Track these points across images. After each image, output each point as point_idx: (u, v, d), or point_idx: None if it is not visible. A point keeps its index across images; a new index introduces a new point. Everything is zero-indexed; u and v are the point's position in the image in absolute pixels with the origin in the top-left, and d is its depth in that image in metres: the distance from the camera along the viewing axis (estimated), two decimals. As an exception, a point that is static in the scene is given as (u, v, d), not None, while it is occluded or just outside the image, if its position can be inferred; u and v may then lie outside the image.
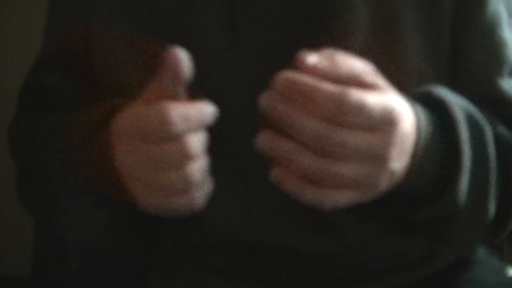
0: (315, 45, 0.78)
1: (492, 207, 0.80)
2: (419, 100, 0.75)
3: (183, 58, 0.66)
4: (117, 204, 0.76)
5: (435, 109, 0.76)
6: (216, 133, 0.81)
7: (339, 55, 0.66)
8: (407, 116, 0.69)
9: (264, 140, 0.66)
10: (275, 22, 0.80)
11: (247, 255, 0.84)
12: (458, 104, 0.77)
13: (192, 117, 0.67)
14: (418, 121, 0.72)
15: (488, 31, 0.84)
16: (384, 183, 0.69)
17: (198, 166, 0.68)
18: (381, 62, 0.80)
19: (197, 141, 0.68)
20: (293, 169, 0.66)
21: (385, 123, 0.66)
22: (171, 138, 0.66)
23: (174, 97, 0.67)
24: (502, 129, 0.82)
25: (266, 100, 0.65)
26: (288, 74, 0.64)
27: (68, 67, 0.88)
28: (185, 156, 0.67)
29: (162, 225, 0.88)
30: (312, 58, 0.64)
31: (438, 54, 0.82)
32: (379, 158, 0.67)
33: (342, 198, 0.67)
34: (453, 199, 0.76)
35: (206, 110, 0.68)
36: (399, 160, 0.69)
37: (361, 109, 0.64)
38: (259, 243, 0.83)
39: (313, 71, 0.64)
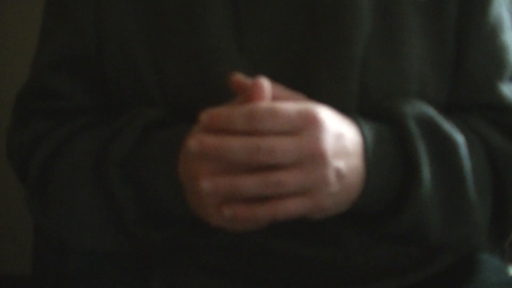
0: (318, 47, 0.78)
1: (475, 215, 0.80)
2: (375, 115, 0.77)
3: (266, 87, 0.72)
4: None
5: (391, 124, 0.77)
6: None
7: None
8: (332, 117, 0.72)
9: (207, 186, 0.70)
10: (279, 24, 0.81)
11: (247, 258, 0.84)
12: (417, 116, 0.78)
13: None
14: (359, 127, 0.74)
15: (490, 36, 0.84)
16: (332, 184, 0.71)
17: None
18: (384, 66, 0.80)
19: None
20: (240, 198, 0.70)
21: (306, 122, 0.69)
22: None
23: None
24: (498, 139, 0.82)
25: (193, 142, 0.70)
26: (209, 111, 0.70)
27: (78, 73, 0.86)
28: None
29: (163, 225, 0.88)
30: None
31: (441, 59, 0.82)
32: (315, 157, 0.69)
33: (294, 206, 0.70)
34: (417, 210, 0.77)
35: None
36: (341, 159, 0.71)
37: (273, 114, 0.69)
38: (260, 247, 0.83)
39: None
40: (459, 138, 0.78)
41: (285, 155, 0.69)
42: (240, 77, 0.74)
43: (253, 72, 0.80)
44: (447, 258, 0.89)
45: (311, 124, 0.70)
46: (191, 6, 0.81)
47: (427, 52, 0.82)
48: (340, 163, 0.71)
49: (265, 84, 0.72)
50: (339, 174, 0.71)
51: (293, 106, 0.70)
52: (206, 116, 0.70)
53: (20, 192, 0.89)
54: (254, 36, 0.80)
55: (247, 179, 0.69)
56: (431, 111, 0.79)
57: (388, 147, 0.75)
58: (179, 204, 0.77)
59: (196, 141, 0.69)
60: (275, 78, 0.80)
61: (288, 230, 0.82)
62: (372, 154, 0.74)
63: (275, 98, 0.73)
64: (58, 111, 0.87)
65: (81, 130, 0.85)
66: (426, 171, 0.76)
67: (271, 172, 0.69)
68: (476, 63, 0.83)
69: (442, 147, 0.78)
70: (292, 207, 0.70)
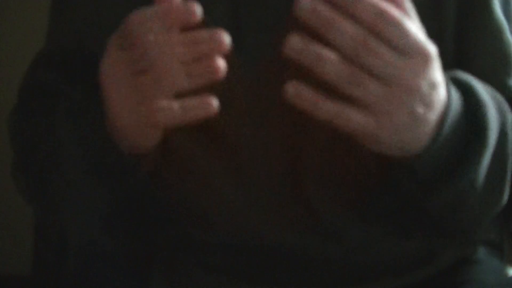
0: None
1: (506, 192, 0.79)
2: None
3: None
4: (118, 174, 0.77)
5: (461, 90, 0.76)
6: (219, 134, 0.81)
7: None
8: (439, 70, 0.70)
9: (295, 42, 0.66)
10: (277, 24, 0.81)
11: (248, 255, 0.84)
12: (482, 87, 0.77)
13: (150, 16, 0.67)
14: (449, 90, 0.72)
15: (497, 33, 0.84)
16: (402, 120, 0.69)
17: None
18: None
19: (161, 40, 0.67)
20: (320, 73, 0.66)
21: (418, 53, 0.67)
22: (131, 37, 0.68)
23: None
24: None
25: (306, 1, 0.65)
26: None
27: (74, 70, 0.87)
28: (150, 56, 0.67)
29: (163, 225, 0.88)
30: None
31: (441, 57, 0.82)
32: (405, 86, 0.67)
33: (356, 118, 0.67)
34: (472, 178, 0.76)
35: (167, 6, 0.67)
36: (422, 105, 0.69)
37: (398, 26, 0.66)
38: (261, 244, 0.83)
39: None
40: (510, 113, 0.78)
41: (383, 66, 0.66)
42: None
43: (252, 72, 0.80)
44: (447, 257, 0.89)
45: (423, 58, 0.68)
46: None
47: None
48: (419, 108, 0.69)
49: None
50: (412, 116, 0.69)
51: (417, 30, 0.67)
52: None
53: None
54: (253, 38, 0.80)
55: (336, 62, 0.66)
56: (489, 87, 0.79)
57: (462, 118, 0.74)
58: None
59: (307, 2, 0.65)
60: (274, 77, 0.80)
61: (288, 228, 0.82)
62: (450, 121, 0.72)
63: None
64: (53, 100, 0.88)
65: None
66: (492, 140, 0.75)
67: (362, 70, 0.66)
68: (485, 61, 0.83)
69: (502, 120, 0.77)
70: (356, 117, 0.67)
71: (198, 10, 0.66)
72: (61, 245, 1.07)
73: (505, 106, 0.79)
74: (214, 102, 0.68)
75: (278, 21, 0.80)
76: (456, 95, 0.73)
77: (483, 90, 0.77)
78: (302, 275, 0.84)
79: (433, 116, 0.71)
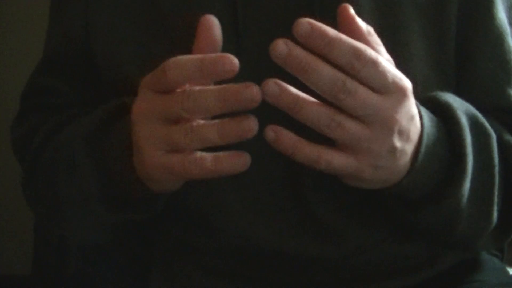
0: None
1: (494, 213, 0.80)
2: (424, 103, 0.75)
3: (215, 23, 0.69)
4: (127, 199, 0.77)
5: (439, 112, 0.76)
6: None
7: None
8: (414, 103, 0.70)
9: (273, 88, 0.66)
10: (278, 27, 0.80)
11: (248, 258, 0.84)
12: (462, 107, 0.77)
13: (189, 65, 0.67)
14: (421, 118, 0.72)
15: (498, 40, 0.84)
16: (383, 157, 0.69)
17: (199, 123, 0.67)
18: None
19: (199, 95, 0.66)
20: (298, 117, 0.66)
21: (395, 89, 0.67)
22: (167, 84, 0.67)
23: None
24: (509, 137, 0.82)
25: (282, 45, 0.65)
26: (311, 20, 0.65)
27: (69, 69, 0.88)
28: (184, 107, 0.66)
29: (163, 226, 0.88)
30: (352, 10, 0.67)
31: (442, 61, 0.82)
32: (384, 124, 0.67)
33: (337, 161, 0.68)
34: (455, 202, 0.76)
35: (212, 60, 0.66)
36: (401, 140, 0.69)
37: (375, 65, 0.66)
38: (260, 248, 0.82)
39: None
40: (494, 134, 0.78)
41: (363, 106, 0.66)
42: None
43: (251, 74, 0.80)
44: (449, 259, 0.89)
45: (400, 94, 0.68)
46: (189, 8, 0.81)
47: (428, 54, 0.82)
48: (398, 143, 0.69)
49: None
50: (392, 151, 0.69)
51: (391, 67, 0.67)
52: (306, 23, 0.65)
53: (20, 193, 0.90)
54: (252, 38, 0.80)
55: (314, 104, 0.66)
56: (470, 106, 0.79)
57: (440, 143, 0.74)
58: (129, 170, 0.74)
59: (284, 42, 0.65)
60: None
61: (287, 231, 0.82)
62: (425, 148, 0.72)
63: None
64: (53, 105, 0.89)
65: (73, 118, 0.86)
66: (470, 164, 0.75)
67: (340, 111, 0.66)
68: (486, 68, 0.83)
69: (484, 142, 0.78)
70: (337, 159, 0.68)
71: (236, 62, 0.66)
72: (61, 245, 1.07)
73: (487, 126, 0.79)
74: (247, 158, 0.68)
75: (276, 24, 0.80)
76: (429, 121, 0.73)
77: (463, 112, 0.77)
78: (302, 277, 0.84)
79: (411, 147, 0.71)
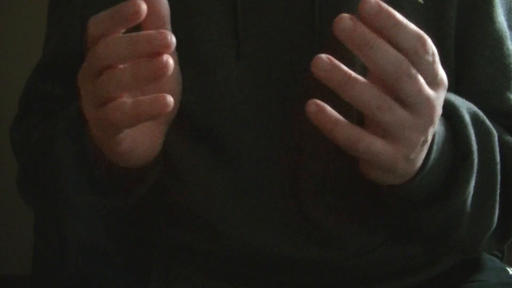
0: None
1: (496, 212, 0.80)
2: None
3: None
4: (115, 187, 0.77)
5: (444, 111, 0.76)
6: (220, 140, 0.81)
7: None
8: None
9: (324, 64, 0.63)
10: (278, 32, 0.80)
11: (249, 261, 0.84)
12: (464, 105, 0.77)
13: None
14: None
15: (498, 44, 0.83)
16: (417, 149, 0.68)
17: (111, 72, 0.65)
18: None
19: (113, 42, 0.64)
20: (347, 96, 0.63)
21: (441, 83, 0.66)
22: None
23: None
24: (508, 138, 0.82)
25: (347, 19, 0.62)
26: (379, 1, 0.63)
27: (66, 75, 0.88)
28: (97, 55, 0.65)
29: (163, 228, 0.88)
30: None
31: (442, 65, 0.82)
32: (429, 115, 0.66)
33: (377, 144, 0.65)
34: (460, 201, 0.76)
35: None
36: (431, 135, 0.69)
37: (434, 56, 0.64)
38: (261, 251, 0.82)
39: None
40: (495, 132, 0.78)
41: (418, 94, 0.64)
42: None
43: (251, 79, 0.80)
44: (449, 260, 0.89)
45: (442, 89, 0.67)
46: (189, 12, 0.81)
47: None
48: (429, 137, 0.68)
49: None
50: (424, 144, 0.68)
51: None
52: (374, 2, 0.62)
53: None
54: (252, 43, 0.80)
55: (367, 87, 0.63)
56: (471, 104, 0.79)
57: (447, 141, 0.74)
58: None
59: (351, 21, 0.62)
60: (272, 85, 0.80)
61: (288, 236, 0.82)
62: (436, 145, 0.72)
63: None
64: (52, 110, 0.89)
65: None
66: (476, 162, 0.75)
67: (393, 98, 0.64)
68: (485, 72, 0.83)
69: (486, 139, 0.77)
70: (376, 145, 0.65)
71: (171, 39, 0.64)
72: (61, 245, 1.07)
73: (488, 123, 0.79)
74: (168, 99, 0.64)
75: (276, 28, 0.80)
76: (440, 121, 0.73)
77: (465, 110, 0.77)
78: (302, 279, 0.84)
79: (427, 145, 0.70)
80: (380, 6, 0.62)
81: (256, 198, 0.82)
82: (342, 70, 0.63)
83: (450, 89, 0.83)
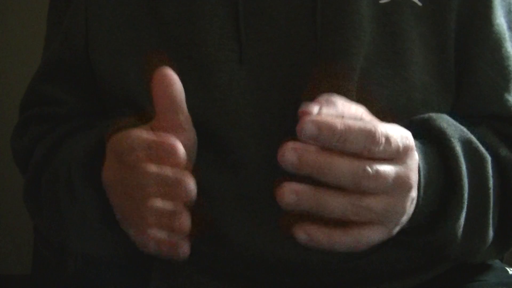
0: (319, 59, 0.78)
1: (490, 233, 0.80)
2: (417, 128, 0.76)
3: (173, 78, 0.68)
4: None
5: (432, 137, 0.76)
6: (222, 144, 0.81)
7: (336, 100, 0.66)
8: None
9: (289, 194, 0.64)
10: (280, 36, 0.81)
11: (249, 263, 0.84)
12: (456, 133, 0.77)
13: (154, 146, 0.67)
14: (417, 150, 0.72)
15: (496, 46, 0.84)
16: (408, 213, 0.69)
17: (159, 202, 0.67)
18: (387, 75, 0.80)
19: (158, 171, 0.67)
20: (325, 214, 0.64)
21: (406, 151, 0.66)
22: (131, 162, 0.68)
23: (175, 122, 0.68)
24: (506, 153, 0.82)
25: (290, 153, 0.63)
26: (315, 117, 0.63)
27: (69, 78, 0.88)
28: (145, 184, 0.67)
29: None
30: (315, 108, 0.64)
31: (442, 69, 0.82)
32: (405, 186, 0.67)
33: (374, 234, 0.67)
34: (451, 232, 0.77)
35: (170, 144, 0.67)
36: (415, 190, 0.69)
37: (388, 138, 0.64)
38: (261, 254, 0.82)
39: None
40: (489, 157, 0.78)
41: (384, 182, 0.65)
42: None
43: (253, 83, 0.80)
44: (448, 261, 0.89)
45: (410, 153, 0.67)
46: (192, 16, 0.81)
47: (428, 61, 0.82)
48: (414, 193, 0.69)
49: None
50: (411, 202, 0.69)
51: (396, 130, 0.66)
52: (311, 124, 0.62)
53: (20, 193, 0.90)
54: (254, 48, 0.80)
55: (337, 198, 0.64)
56: (465, 129, 0.79)
57: (434, 173, 0.74)
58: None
59: (291, 148, 0.62)
60: (275, 89, 0.80)
61: (288, 238, 0.82)
62: (423, 189, 0.72)
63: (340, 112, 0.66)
64: (54, 116, 0.89)
65: (73, 132, 0.86)
66: (466, 195, 0.75)
67: (362, 195, 0.65)
68: (484, 74, 0.83)
69: (479, 167, 0.78)
70: (374, 236, 0.67)
71: (180, 152, 0.66)
72: (61, 246, 1.07)
73: (481, 150, 0.79)
74: (186, 248, 0.69)
75: (278, 33, 0.80)
76: (424, 162, 0.73)
77: (457, 139, 0.77)
78: (301, 281, 0.84)
79: (415, 190, 0.70)
80: (318, 126, 0.62)
81: (258, 200, 0.82)
82: (309, 196, 0.64)
83: (451, 93, 0.83)
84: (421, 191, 0.72)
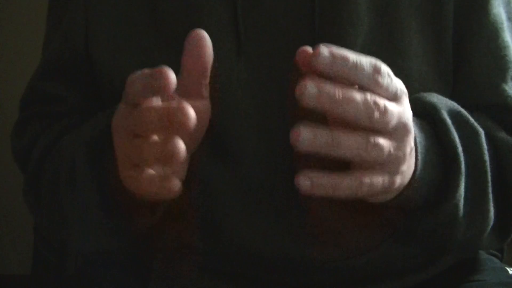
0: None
1: (491, 210, 0.80)
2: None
3: (208, 41, 0.67)
4: (121, 207, 0.77)
5: (423, 112, 0.76)
6: (221, 138, 0.81)
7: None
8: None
9: (306, 132, 0.63)
10: (279, 29, 0.81)
11: (249, 260, 0.84)
12: (446, 107, 0.78)
13: (137, 81, 0.66)
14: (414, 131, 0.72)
15: (493, 36, 0.84)
16: (407, 160, 0.69)
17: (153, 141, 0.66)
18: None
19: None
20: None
21: (402, 91, 0.67)
22: (128, 99, 0.67)
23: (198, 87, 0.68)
24: (503, 135, 0.82)
25: (310, 86, 0.62)
26: (330, 46, 0.63)
27: (70, 75, 0.88)
28: (142, 123, 0.65)
29: (163, 227, 0.88)
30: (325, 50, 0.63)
31: (440, 58, 0.82)
32: (405, 127, 0.67)
33: (376, 179, 0.66)
34: (454, 204, 0.76)
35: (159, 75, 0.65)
36: (412, 140, 0.69)
37: (389, 74, 0.65)
38: (262, 250, 0.82)
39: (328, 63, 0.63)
40: (481, 130, 0.78)
41: (391, 118, 0.65)
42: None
43: (252, 77, 0.80)
44: (449, 259, 0.89)
45: (405, 95, 0.68)
46: (190, 10, 0.81)
47: (426, 51, 0.82)
48: (412, 142, 0.69)
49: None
50: (411, 152, 0.69)
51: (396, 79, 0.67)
52: (326, 52, 0.62)
53: (20, 192, 0.90)
54: (252, 40, 0.81)
55: (351, 135, 0.64)
56: (456, 104, 0.79)
57: (431, 148, 0.74)
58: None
59: (311, 82, 0.62)
60: (273, 82, 0.80)
61: (289, 233, 0.82)
62: (420, 155, 0.72)
63: None
64: (54, 113, 0.89)
65: (73, 127, 0.86)
66: (463, 163, 0.75)
67: (373, 133, 0.65)
68: (480, 64, 0.83)
69: (470, 137, 0.78)
70: (376, 180, 0.67)
71: (170, 76, 0.64)
72: (61, 246, 1.07)
73: (473, 122, 0.79)
74: (177, 184, 0.68)
75: (276, 27, 0.80)
76: (417, 128, 0.73)
77: (446, 112, 0.77)
78: (301, 278, 0.84)
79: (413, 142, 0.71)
80: (332, 54, 0.62)
81: (257, 196, 0.82)
82: (323, 133, 0.63)
83: (449, 83, 0.83)
84: (417, 140, 0.72)
